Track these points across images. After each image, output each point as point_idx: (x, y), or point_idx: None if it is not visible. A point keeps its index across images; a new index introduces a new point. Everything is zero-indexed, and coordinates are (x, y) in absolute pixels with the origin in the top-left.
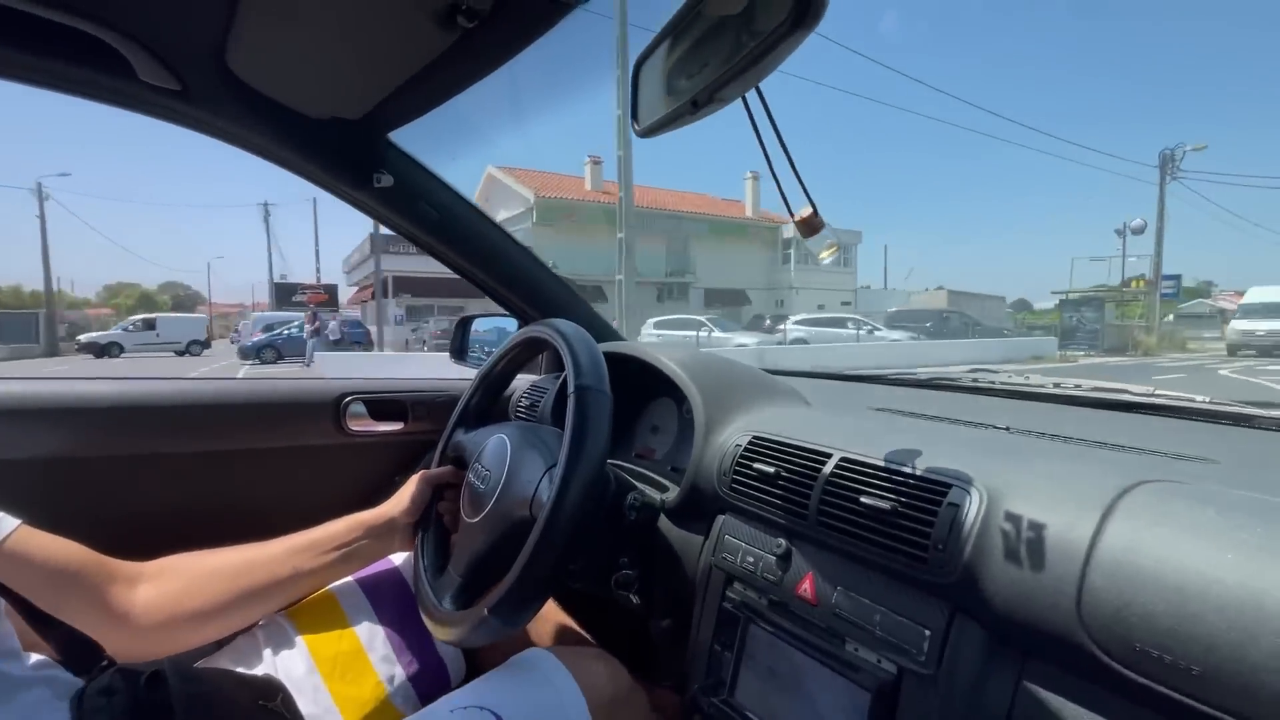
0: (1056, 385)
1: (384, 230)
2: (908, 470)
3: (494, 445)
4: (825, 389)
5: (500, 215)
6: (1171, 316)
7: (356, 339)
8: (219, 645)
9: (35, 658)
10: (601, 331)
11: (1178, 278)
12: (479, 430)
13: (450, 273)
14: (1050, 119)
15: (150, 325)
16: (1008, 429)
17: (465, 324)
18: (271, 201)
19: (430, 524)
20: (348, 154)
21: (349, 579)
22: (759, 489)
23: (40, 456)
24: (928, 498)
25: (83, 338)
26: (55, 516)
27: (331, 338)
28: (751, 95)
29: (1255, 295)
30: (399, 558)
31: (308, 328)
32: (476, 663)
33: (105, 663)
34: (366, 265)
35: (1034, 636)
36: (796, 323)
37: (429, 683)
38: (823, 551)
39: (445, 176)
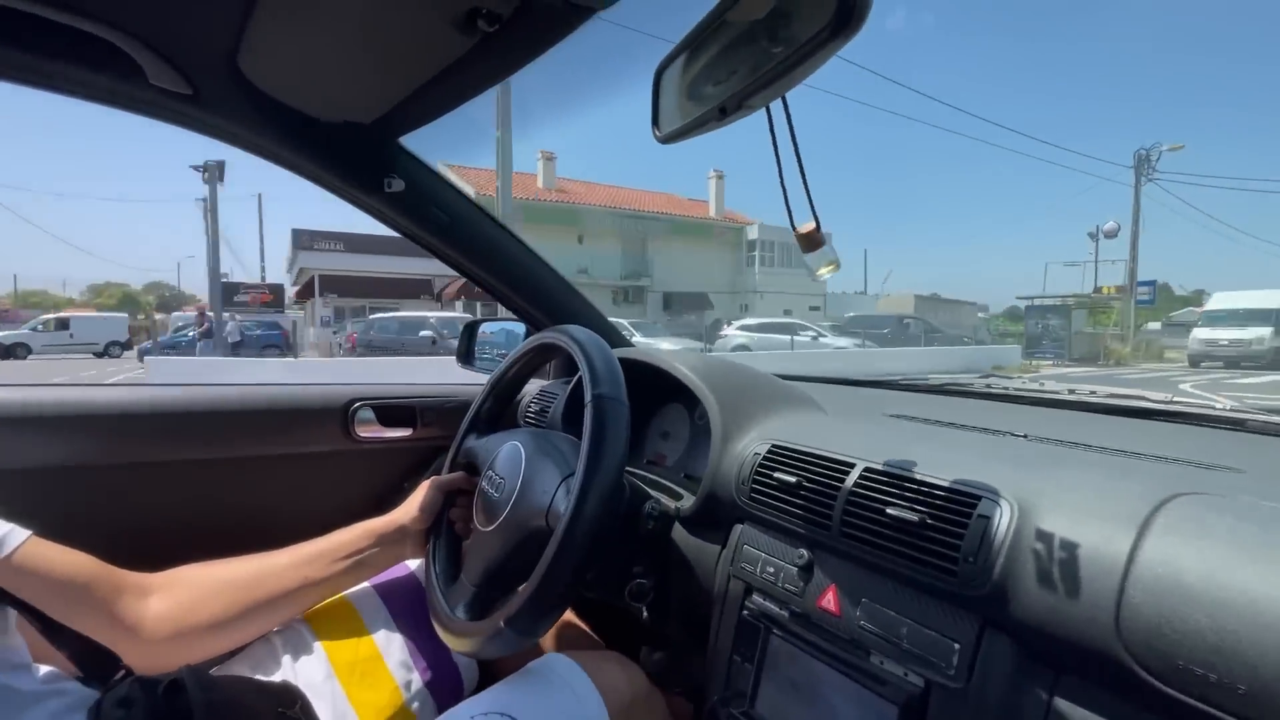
0: (1072, 392)
1: (309, 225)
2: (933, 481)
3: (507, 452)
4: (838, 395)
5: None
6: (1159, 324)
7: (271, 342)
8: (236, 651)
9: (45, 670)
10: (612, 338)
11: (1153, 284)
12: (491, 436)
13: (385, 272)
14: (1030, 117)
15: (64, 325)
16: (1025, 436)
17: (472, 328)
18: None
19: (442, 531)
20: (359, 158)
21: (364, 584)
22: (779, 498)
23: (48, 465)
24: (956, 509)
25: None
26: (64, 525)
27: (230, 340)
28: (774, 103)
29: (1220, 301)
30: (414, 563)
31: (195, 330)
32: (491, 667)
33: (122, 673)
34: (315, 261)
35: (1069, 652)
36: (740, 328)
37: (445, 688)
38: (846, 563)
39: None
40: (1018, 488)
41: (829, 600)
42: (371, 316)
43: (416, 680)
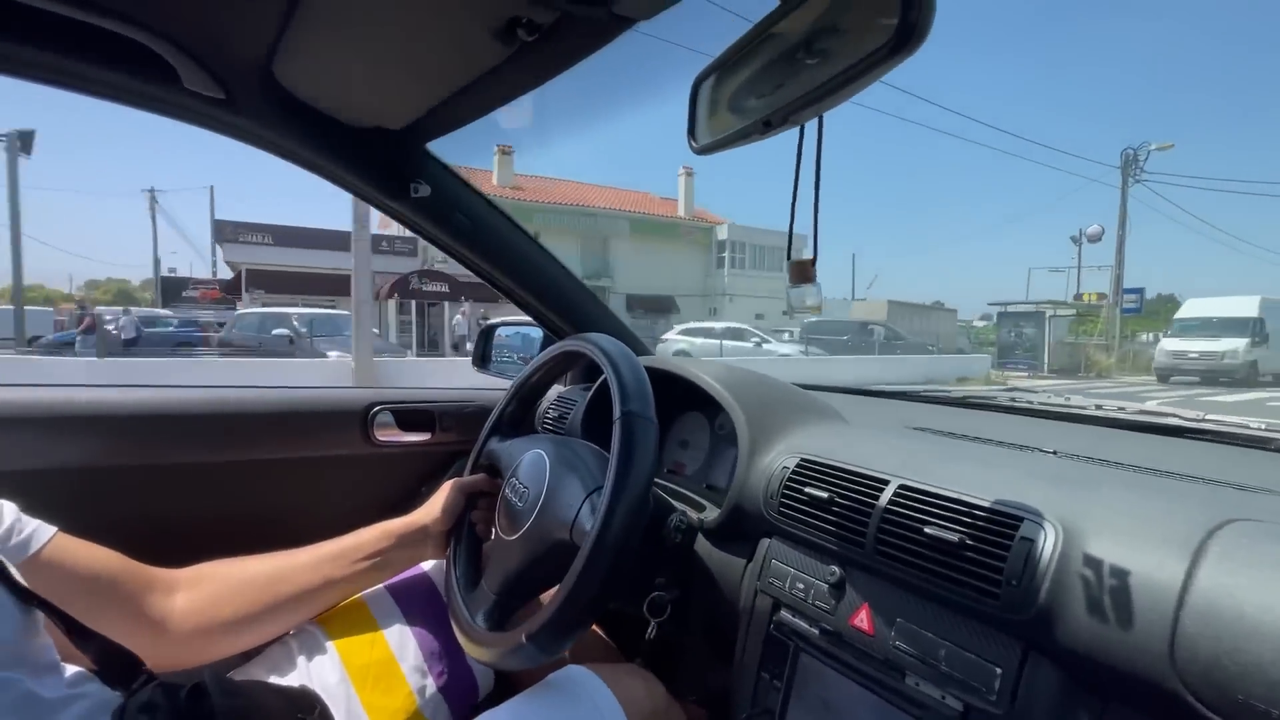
0: (1099, 407)
1: (231, 217)
2: (973, 501)
3: (531, 461)
4: (859, 405)
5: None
6: (1152, 335)
7: (185, 339)
8: (252, 654)
9: (72, 671)
10: (634, 347)
11: (1140, 291)
12: (513, 441)
13: (319, 268)
14: (1016, 114)
15: None
16: (1055, 453)
17: (489, 332)
18: (160, 188)
19: (463, 534)
20: (387, 163)
21: (378, 586)
22: (810, 514)
23: (70, 465)
24: (998, 530)
25: None
26: (85, 525)
27: (124, 337)
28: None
29: (1191, 309)
30: (429, 565)
31: (77, 327)
32: (506, 674)
33: (144, 676)
34: (241, 254)
35: (1119, 680)
36: (681, 332)
37: (459, 693)
38: (880, 581)
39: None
40: (1060, 509)
41: (862, 619)
42: (238, 312)
43: (431, 685)
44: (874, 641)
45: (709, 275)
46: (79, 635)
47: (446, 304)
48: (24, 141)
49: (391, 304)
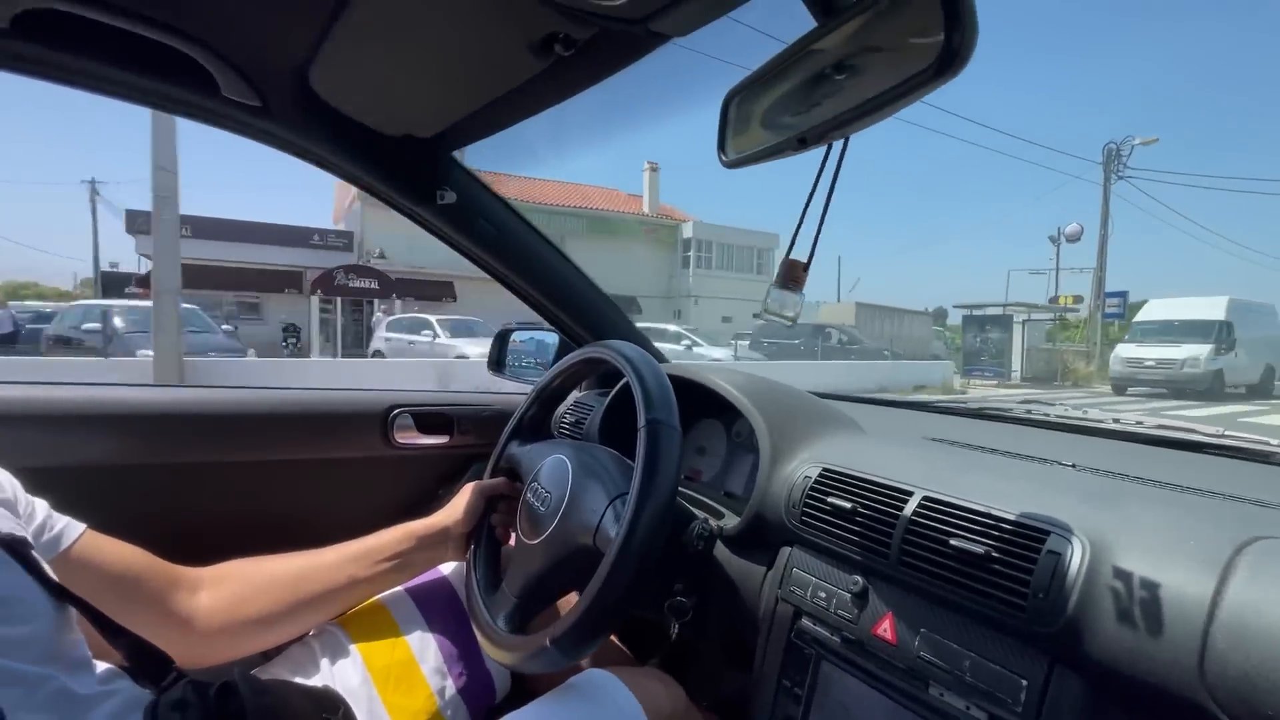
0: (1116, 421)
1: (148, 208)
2: (999, 514)
3: (553, 466)
4: (875, 415)
5: (346, 200)
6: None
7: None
8: (275, 654)
9: (103, 668)
10: (651, 353)
11: (1124, 295)
12: (534, 445)
13: (248, 261)
14: (997, 109)
15: None
16: (1074, 466)
17: (504, 336)
18: (101, 179)
19: (483, 536)
20: (414, 170)
21: (398, 588)
22: (833, 524)
23: (94, 463)
24: (1024, 543)
25: None
26: (109, 523)
27: (1, 330)
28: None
29: (1151, 311)
30: (447, 567)
31: None
32: (523, 677)
33: (174, 674)
34: (140, 248)
35: (1147, 694)
36: None
37: (477, 695)
38: (903, 591)
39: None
40: (1086, 523)
41: (885, 629)
42: (73, 304)
43: (450, 686)
44: (897, 651)
45: (674, 276)
46: (110, 632)
47: (376, 302)
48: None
49: (314, 300)
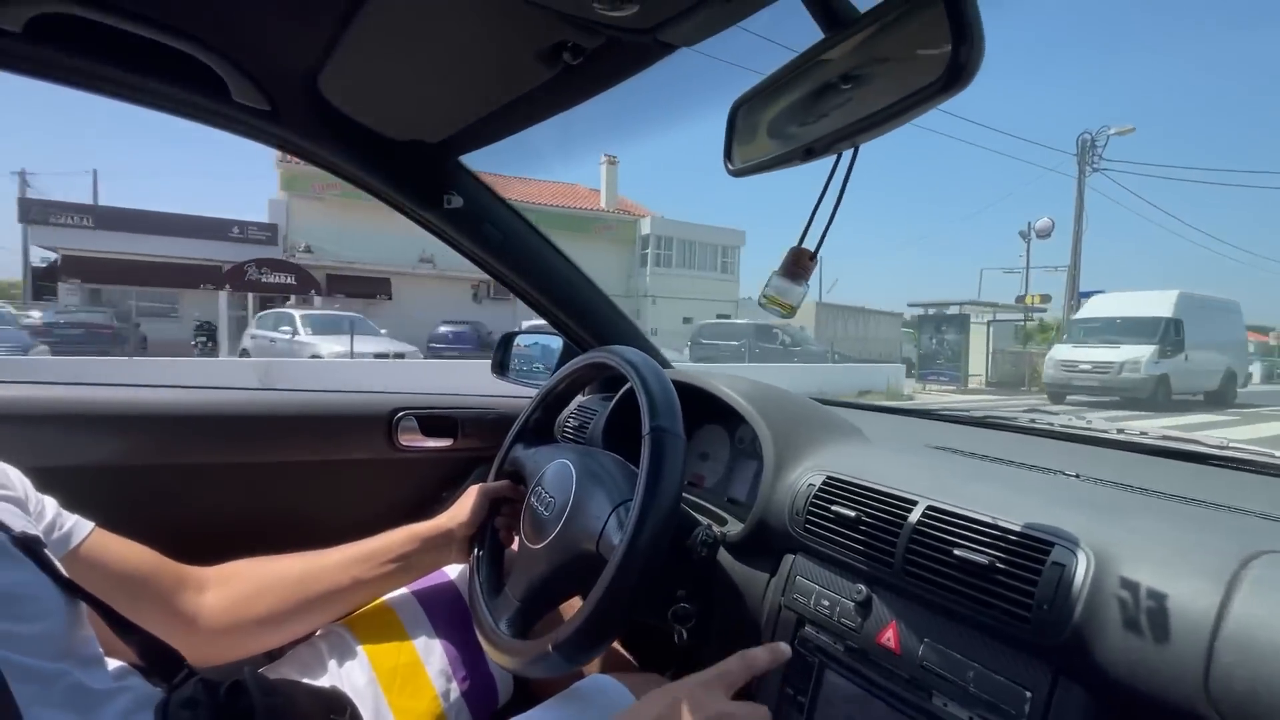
0: (1120, 431)
1: (41, 194)
2: (1003, 524)
3: (557, 470)
4: (877, 422)
5: (273, 191)
6: None
7: None
8: (281, 654)
9: (115, 664)
10: (655, 359)
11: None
12: (538, 449)
13: (157, 256)
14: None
15: None
16: (1077, 476)
17: (508, 340)
18: (32, 170)
19: (486, 539)
20: (422, 175)
21: (404, 591)
22: (837, 532)
23: (101, 463)
24: (1029, 555)
25: None
26: (116, 522)
27: None
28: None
29: (1094, 307)
30: (453, 571)
31: None
32: (527, 681)
33: (185, 672)
34: (55, 239)
35: (1152, 708)
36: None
37: (481, 699)
38: (907, 601)
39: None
40: (1091, 535)
41: (889, 637)
42: None
43: (455, 690)
44: (901, 660)
45: (632, 275)
46: (122, 629)
47: (294, 298)
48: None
49: (223, 296)
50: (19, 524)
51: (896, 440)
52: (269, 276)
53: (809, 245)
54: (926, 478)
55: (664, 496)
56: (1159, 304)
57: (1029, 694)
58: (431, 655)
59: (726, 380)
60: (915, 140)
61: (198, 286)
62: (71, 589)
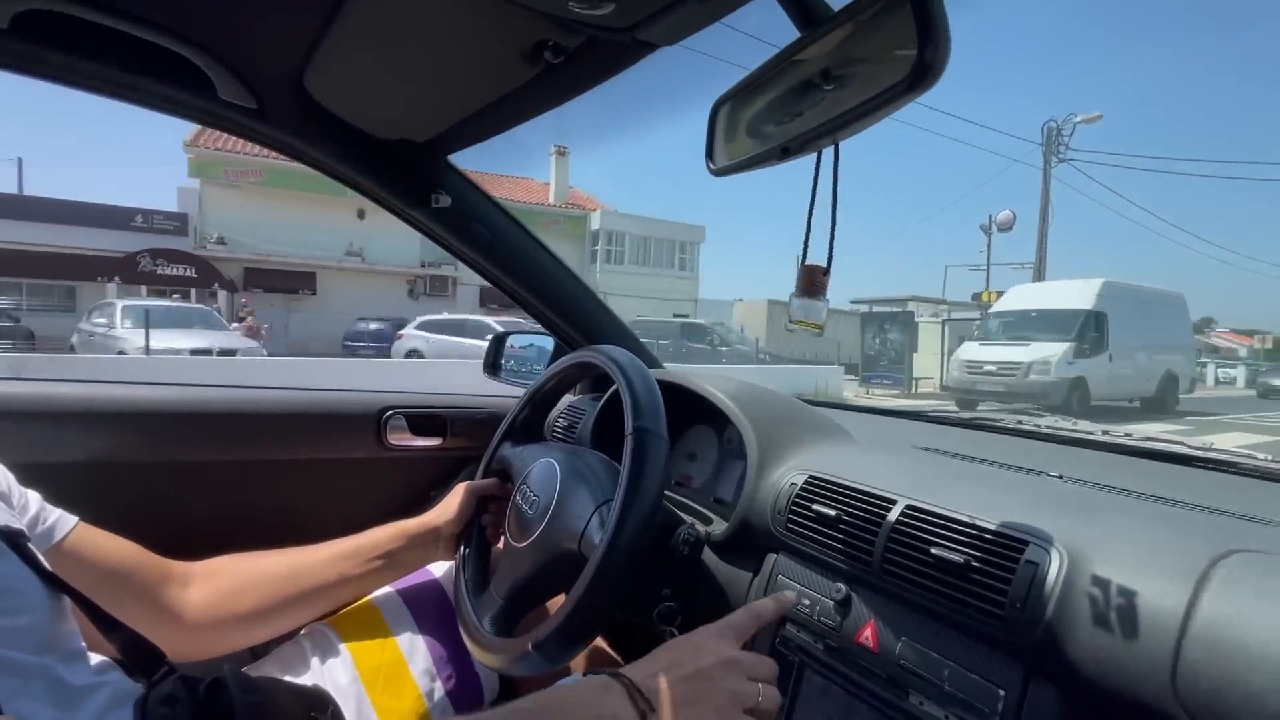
0: (1105, 433)
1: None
2: (979, 523)
3: (542, 469)
4: (866, 424)
5: (183, 178)
6: None
7: None
8: (265, 651)
9: (96, 659)
10: (644, 359)
11: None
12: (526, 447)
13: (51, 246)
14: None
15: None
16: (1061, 477)
17: (500, 340)
18: None
19: (473, 537)
20: (409, 174)
21: (389, 589)
22: (817, 531)
23: (88, 459)
24: (1003, 553)
25: None
26: (102, 519)
27: None
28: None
29: (1013, 299)
30: (439, 569)
31: None
32: (512, 680)
33: (165, 669)
34: None
35: (1121, 706)
36: (418, 327)
37: (465, 698)
38: (885, 599)
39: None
40: (1066, 534)
41: (867, 636)
42: None
43: (439, 689)
44: (878, 659)
45: (582, 272)
46: (104, 624)
47: (194, 292)
48: None
49: (111, 289)
50: (2, 518)
51: (883, 441)
52: (165, 269)
53: (813, 258)
54: (909, 478)
55: (645, 496)
56: (1079, 294)
57: (1002, 692)
58: (416, 654)
59: (713, 380)
60: (891, 134)
61: (94, 279)
62: (55, 583)
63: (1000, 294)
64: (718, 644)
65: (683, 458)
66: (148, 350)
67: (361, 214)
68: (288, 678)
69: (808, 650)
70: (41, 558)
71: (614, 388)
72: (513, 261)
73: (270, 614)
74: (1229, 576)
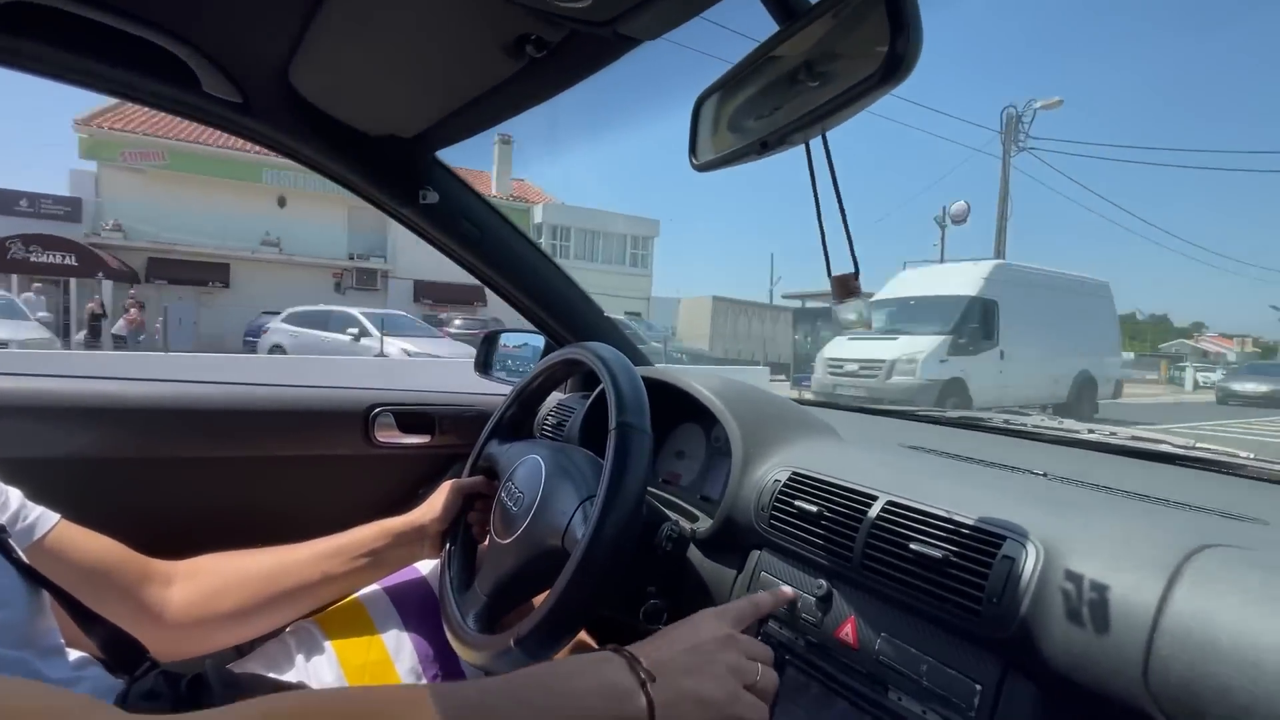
0: (1091, 431)
1: None
2: (958, 519)
3: (528, 466)
4: (855, 422)
5: (71, 165)
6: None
7: None
8: (250, 649)
9: (75, 655)
10: (632, 355)
11: None
12: (512, 445)
13: None
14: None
15: None
16: (1045, 475)
17: (491, 339)
18: None
19: (459, 534)
20: (397, 170)
21: (375, 587)
22: (800, 527)
23: (72, 455)
24: (980, 548)
25: None
26: (85, 515)
27: None
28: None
29: (898, 285)
30: (425, 567)
31: None
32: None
33: (147, 664)
34: None
35: (1095, 700)
36: (286, 319)
37: None
38: (866, 595)
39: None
40: (1043, 530)
41: (847, 632)
42: None
43: None
44: (858, 655)
45: None
46: (85, 621)
47: (74, 281)
48: None
49: (14, 280)
50: None
51: (870, 439)
52: (40, 256)
53: (837, 264)
54: (892, 474)
55: (628, 491)
56: (965, 279)
57: (979, 687)
58: (402, 652)
59: (701, 378)
60: (853, 125)
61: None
62: (34, 579)
63: None
64: (717, 623)
65: (671, 455)
66: None
67: (282, 201)
68: (272, 675)
69: (789, 646)
70: (21, 553)
71: (602, 385)
72: (502, 259)
73: (253, 613)
74: (1201, 571)
